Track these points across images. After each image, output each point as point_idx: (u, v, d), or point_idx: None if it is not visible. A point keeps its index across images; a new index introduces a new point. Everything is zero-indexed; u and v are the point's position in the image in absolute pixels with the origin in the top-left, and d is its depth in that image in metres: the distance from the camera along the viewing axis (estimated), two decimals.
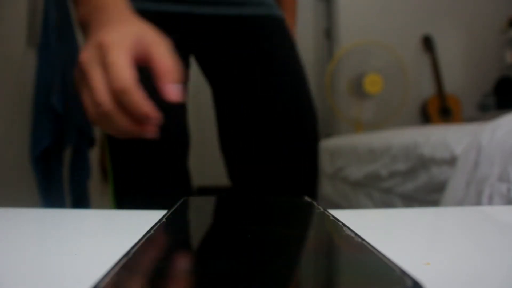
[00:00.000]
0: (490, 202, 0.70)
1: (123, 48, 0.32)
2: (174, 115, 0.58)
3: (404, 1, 2.79)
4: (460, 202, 0.79)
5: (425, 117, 2.74)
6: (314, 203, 0.24)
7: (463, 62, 2.85)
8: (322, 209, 0.22)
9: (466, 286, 0.14)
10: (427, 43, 2.77)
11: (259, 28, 0.66)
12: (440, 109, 2.67)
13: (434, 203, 1.15)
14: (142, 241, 0.15)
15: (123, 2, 0.40)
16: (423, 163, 1.24)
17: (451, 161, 1.07)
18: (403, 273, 0.11)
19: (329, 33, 2.94)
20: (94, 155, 1.62)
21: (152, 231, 0.17)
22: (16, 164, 1.52)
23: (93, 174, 1.53)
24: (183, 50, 0.62)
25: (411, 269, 0.12)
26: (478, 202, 0.73)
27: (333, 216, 0.21)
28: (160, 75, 0.32)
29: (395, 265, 0.12)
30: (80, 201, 1.46)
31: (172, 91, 0.31)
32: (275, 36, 0.67)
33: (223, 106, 0.67)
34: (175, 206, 0.23)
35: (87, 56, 0.32)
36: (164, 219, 0.19)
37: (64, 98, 1.57)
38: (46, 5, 1.57)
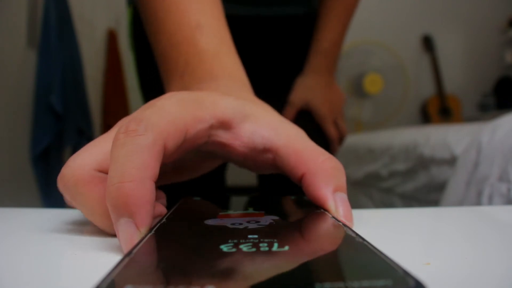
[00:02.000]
0: (490, 202, 0.70)
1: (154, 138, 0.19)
2: None
3: (404, 1, 2.79)
4: (460, 202, 0.79)
5: (425, 117, 2.74)
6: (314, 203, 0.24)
7: (463, 62, 2.85)
8: (322, 209, 0.22)
9: (466, 286, 0.14)
10: (427, 43, 2.77)
11: (300, 28, 0.65)
12: (440, 109, 2.67)
13: (434, 203, 1.15)
14: (143, 241, 0.15)
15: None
16: (423, 163, 1.24)
17: (451, 161, 1.07)
18: (406, 273, 0.11)
19: None
20: None
21: (153, 231, 0.17)
22: (16, 164, 1.52)
23: None
24: None
25: (411, 269, 0.12)
26: (478, 202, 0.73)
27: (333, 216, 0.21)
28: None
29: (397, 265, 0.12)
30: None
31: None
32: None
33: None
34: (176, 206, 0.23)
35: (118, 134, 0.20)
36: (164, 219, 0.19)
37: (64, 98, 1.57)
38: (46, 5, 1.57)
